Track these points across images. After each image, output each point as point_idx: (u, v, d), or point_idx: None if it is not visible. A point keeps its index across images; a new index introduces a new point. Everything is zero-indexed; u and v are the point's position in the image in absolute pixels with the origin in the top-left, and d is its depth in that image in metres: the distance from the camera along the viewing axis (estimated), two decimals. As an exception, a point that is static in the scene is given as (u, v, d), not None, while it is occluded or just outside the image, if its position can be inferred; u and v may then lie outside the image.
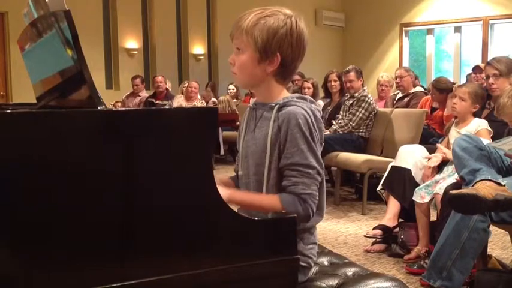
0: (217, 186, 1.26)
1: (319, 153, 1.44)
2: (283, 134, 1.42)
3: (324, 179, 1.50)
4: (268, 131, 1.44)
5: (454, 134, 3.26)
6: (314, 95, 5.94)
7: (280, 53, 1.44)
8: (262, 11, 1.45)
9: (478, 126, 3.22)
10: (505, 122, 2.94)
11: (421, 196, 3.07)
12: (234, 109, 7.87)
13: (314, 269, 1.55)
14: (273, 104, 1.47)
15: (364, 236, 3.51)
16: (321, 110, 1.53)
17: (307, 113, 1.43)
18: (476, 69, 6.97)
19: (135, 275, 1.16)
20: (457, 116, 3.38)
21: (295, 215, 1.34)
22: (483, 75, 4.97)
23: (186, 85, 7.65)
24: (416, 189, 3.13)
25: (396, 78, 5.99)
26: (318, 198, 1.43)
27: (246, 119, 1.58)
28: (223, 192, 1.31)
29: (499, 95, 3.27)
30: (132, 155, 1.15)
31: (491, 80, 3.38)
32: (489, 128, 3.20)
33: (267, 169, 1.44)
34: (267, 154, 1.44)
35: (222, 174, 6.31)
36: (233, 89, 9.08)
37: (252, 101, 7.93)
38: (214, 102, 7.95)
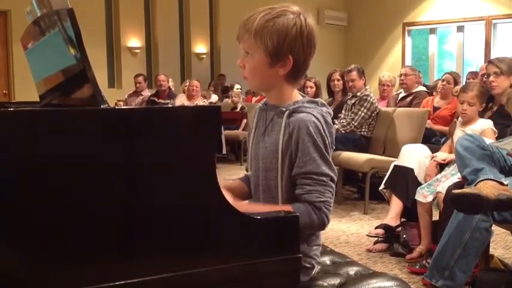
0: (231, 200, 1.24)
1: (331, 160, 1.41)
2: (295, 142, 1.39)
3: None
4: (279, 137, 1.41)
5: (459, 134, 3.25)
6: (317, 94, 5.92)
7: (292, 55, 1.38)
8: (269, 11, 1.38)
9: (484, 126, 3.21)
10: (508, 124, 2.94)
11: (423, 195, 3.06)
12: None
13: (316, 268, 1.55)
14: (284, 109, 1.43)
15: (366, 235, 3.51)
16: (331, 112, 1.49)
17: (318, 120, 1.39)
18: (473, 73, 7.13)
19: (136, 274, 1.15)
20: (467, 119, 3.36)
21: (297, 214, 1.32)
22: (477, 79, 5.10)
23: (187, 84, 7.66)
24: (419, 188, 3.13)
25: (401, 75, 5.98)
26: (332, 205, 1.40)
27: (256, 119, 1.55)
28: (239, 207, 1.28)
29: (498, 94, 3.29)
30: (134, 154, 1.15)
31: (491, 78, 3.39)
32: (494, 129, 3.20)
33: (280, 177, 1.42)
34: (279, 162, 1.41)
35: (224, 173, 6.35)
36: (239, 89, 9.07)
37: (254, 100, 7.87)
38: (210, 103, 7.92)
